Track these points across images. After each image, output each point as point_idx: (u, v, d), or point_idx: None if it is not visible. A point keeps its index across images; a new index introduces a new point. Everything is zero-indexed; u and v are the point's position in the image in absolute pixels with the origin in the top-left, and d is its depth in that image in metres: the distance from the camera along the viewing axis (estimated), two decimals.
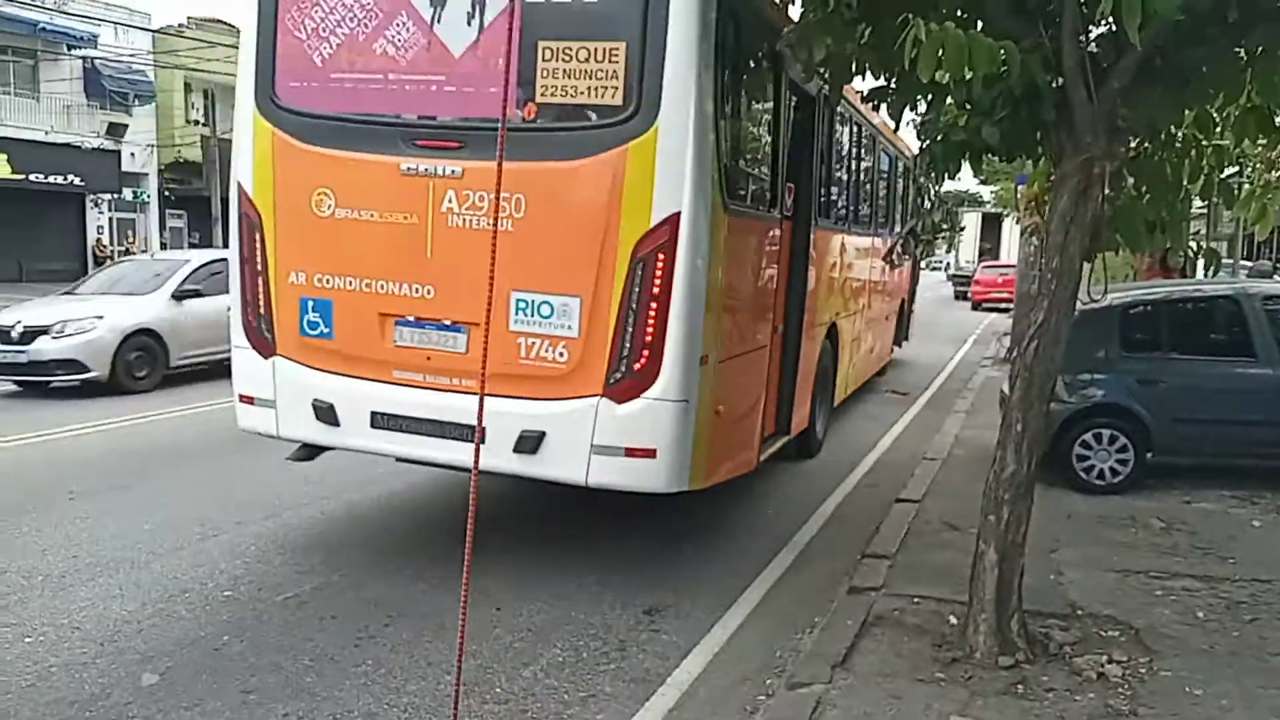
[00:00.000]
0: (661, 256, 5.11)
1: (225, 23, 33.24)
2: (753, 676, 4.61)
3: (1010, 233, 42.57)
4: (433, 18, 5.38)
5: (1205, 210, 18.28)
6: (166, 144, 32.51)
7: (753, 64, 6.39)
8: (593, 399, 5.25)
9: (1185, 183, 5.14)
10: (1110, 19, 3.81)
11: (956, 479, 7.98)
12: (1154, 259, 12.31)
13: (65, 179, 28.82)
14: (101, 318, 11.88)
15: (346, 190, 5.58)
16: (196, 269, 13.01)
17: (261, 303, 5.89)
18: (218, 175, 31.31)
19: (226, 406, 10.95)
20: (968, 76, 3.79)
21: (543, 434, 5.33)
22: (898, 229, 13.58)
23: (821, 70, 4.87)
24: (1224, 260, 18.36)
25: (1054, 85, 4.44)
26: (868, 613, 5.20)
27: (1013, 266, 20.84)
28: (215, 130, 33.33)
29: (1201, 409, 7.73)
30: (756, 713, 4.21)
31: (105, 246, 31.43)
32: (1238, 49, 4.35)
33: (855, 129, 9.99)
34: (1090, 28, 4.46)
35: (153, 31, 31.41)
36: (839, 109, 8.84)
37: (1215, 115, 4.88)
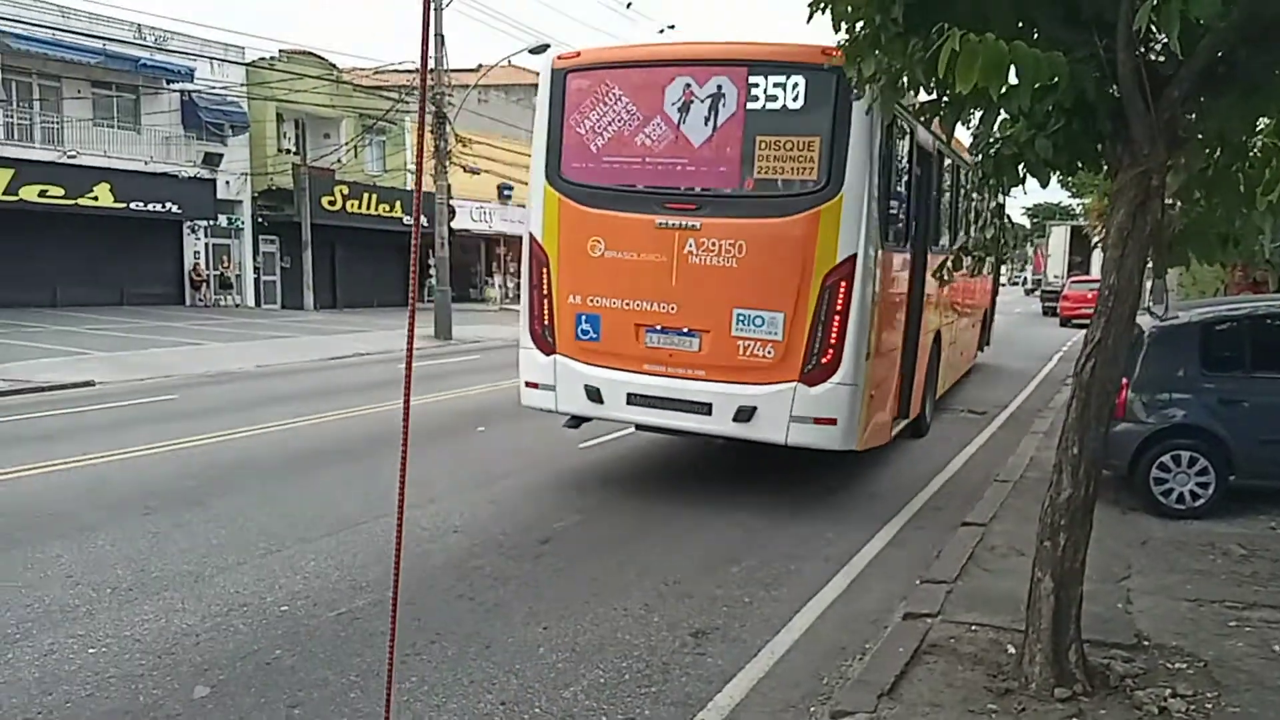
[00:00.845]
0: (843, 284, 7.29)
1: (314, 54, 34.45)
2: (798, 704, 4.51)
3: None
4: (679, 120, 7.74)
5: None
6: (259, 172, 33.62)
7: (895, 142, 8.35)
8: (791, 384, 7.47)
9: (1260, 194, 4.89)
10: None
11: (1027, 503, 7.69)
12: (1245, 273, 11.76)
13: (163, 207, 30.01)
14: None
15: (613, 238, 7.91)
16: None
17: (546, 316, 8.28)
18: (308, 202, 32.40)
19: (295, 426, 11.33)
20: (1012, 88, 3.68)
21: (755, 408, 7.56)
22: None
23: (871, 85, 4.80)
24: None
25: (1112, 95, 4.28)
26: (921, 640, 5.05)
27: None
28: (305, 158, 34.44)
29: None
30: None
31: (201, 272, 32.68)
32: None
33: (955, 168, 11.79)
34: (1150, 37, 4.30)
35: (246, 65, 32.61)
36: (945, 154, 10.65)
37: None
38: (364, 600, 5.67)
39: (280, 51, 34.02)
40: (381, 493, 8.05)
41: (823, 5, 4.41)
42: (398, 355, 20.02)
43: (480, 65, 34.47)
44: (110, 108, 29.98)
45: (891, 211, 8.37)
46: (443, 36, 25.49)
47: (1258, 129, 4.75)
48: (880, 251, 7.63)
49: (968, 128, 5.10)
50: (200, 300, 32.41)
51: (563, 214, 8.15)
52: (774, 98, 7.43)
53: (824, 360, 7.38)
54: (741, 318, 7.50)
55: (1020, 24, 4.22)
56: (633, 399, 7.95)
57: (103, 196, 28.23)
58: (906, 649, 4.91)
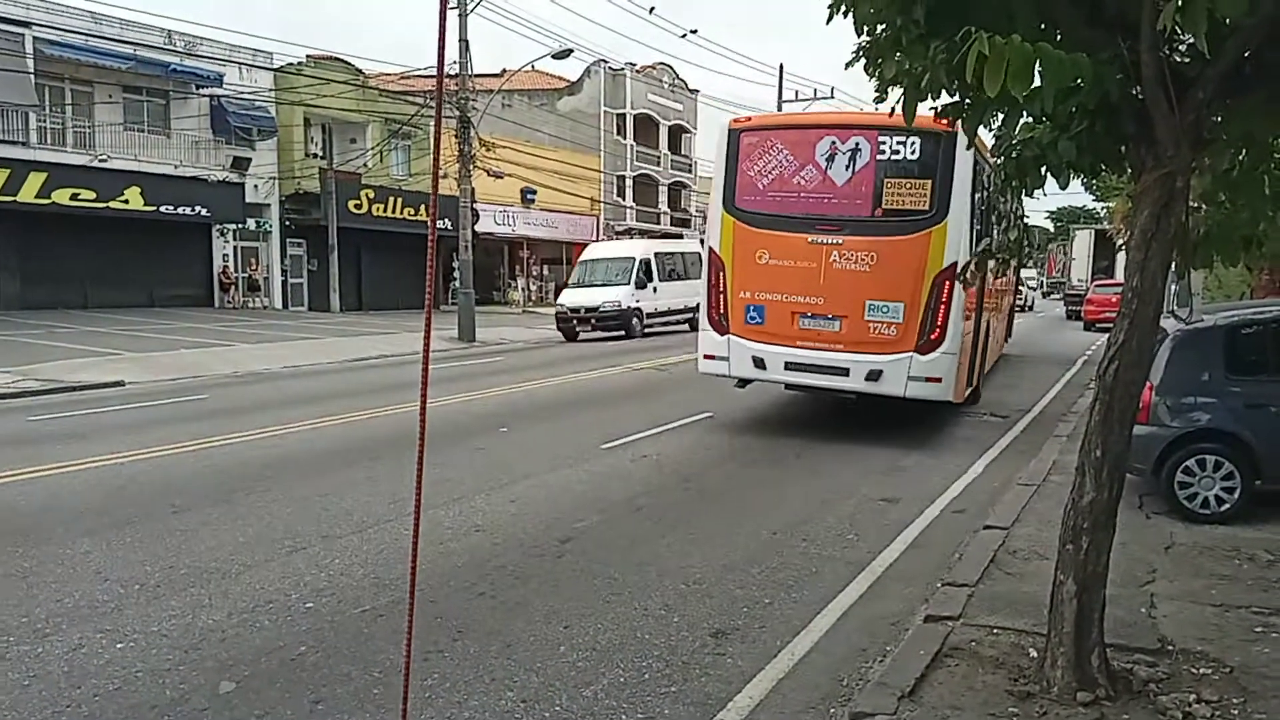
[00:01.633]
0: (947, 283, 9.99)
1: (341, 60, 34.74)
2: (817, 705, 4.51)
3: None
4: (826, 167, 10.71)
5: None
6: (287, 176, 33.94)
7: (978, 179, 10.84)
8: (908, 354, 10.40)
9: None
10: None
11: (1050, 506, 7.64)
12: (1272, 276, 11.63)
13: (193, 210, 30.39)
14: None
15: (776, 250, 10.92)
16: None
17: (721, 307, 11.36)
18: (334, 205, 32.67)
19: (321, 426, 11.43)
20: (1035, 90, 3.67)
21: (881, 371, 10.54)
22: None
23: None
24: None
25: (1136, 96, 4.26)
26: (943, 643, 5.03)
27: None
28: (332, 162, 34.74)
29: None
30: None
31: (230, 274, 33.05)
32: None
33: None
34: (1175, 38, 4.27)
35: (274, 70, 32.95)
36: (993, 171, 13.19)
37: None
38: (387, 598, 5.72)
39: (308, 57, 34.37)
40: (405, 492, 8.12)
41: (844, 9, 4.40)
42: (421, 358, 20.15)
43: (504, 70, 34.68)
44: (141, 112, 30.39)
45: (976, 229, 10.86)
46: (467, 42, 25.66)
47: None
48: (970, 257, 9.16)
49: (990, 130, 5.08)
50: (229, 302, 32.75)
51: (736, 233, 11.19)
52: (897, 152, 10.43)
53: (933, 336, 10.32)
54: (872, 307, 10.48)
55: (1043, 25, 4.20)
56: (789, 365, 11.02)
57: (133, 200, 28.64)
58: (927, 651, 4.89)
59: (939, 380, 10.41)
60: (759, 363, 11.10)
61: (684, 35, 47.97)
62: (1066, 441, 10.54)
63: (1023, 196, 6.07)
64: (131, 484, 8.53)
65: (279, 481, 8.65)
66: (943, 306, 10.17)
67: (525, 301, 41.30)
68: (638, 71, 51.34)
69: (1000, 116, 4.87)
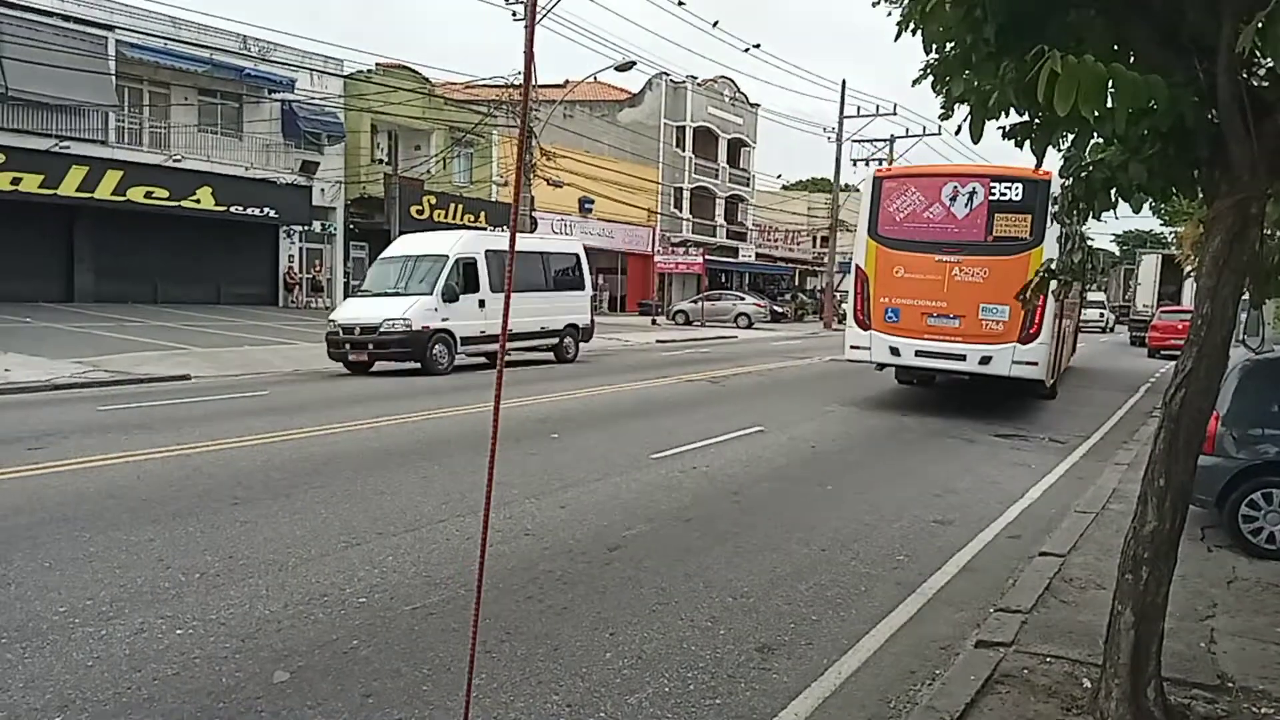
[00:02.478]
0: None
1: (409, 68, 35.38)
2: None
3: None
4: (950, 204, 14.18)
5: None
6: (353, 180, 34.66)
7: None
8: (1012, 344, 13.81)
9: None
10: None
11: (1108, 535, 7.50)
12: None
13: (261, 211, 31.19)
14: None
15: (909, 267, 14.46)
16: None
17: (865, 310, 14.94)
18: (397, 210, 33.20)
19: (379, 426, 11.61)
20: (1107, 111, 3.63)
21: (990, 357, 13.97)
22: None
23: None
24: None
25: (1211, 120, 4.18)
26: (994, 669, 4.96)
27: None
28: (396, 168, 35.35)
29: None
30: None
31: (294, 274, 33.78)
32: None
33: None
34: (1253, 60, 4.18)
35: (344, 77, 33.70)
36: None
37: None
38: (438, 596, 5.80)
39: (377, 65, 35.08)
40: (460, 493, 8.24)
41: (913, 26, 4.38)
42: (471, 362, 20.35)
43: (566, 81, 34.99)
44: (214, 115, 31.30)
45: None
46: (531, 53, 25.92)
47: None
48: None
49: (1059, 151, 5.02)
50: (293, 302, 33.47)
51: (878, 253, 14.78)
52: (1005, 194, 13.92)
53: (1031, 330, 13.70)
54: (984, 309, 13.91)
55: (1116, 46, 4.15)
56: (919, 353, 14.57)
57: (204, 199, 29.47)
58: (978, 677, 4.83)
59: (1036, 364, 13.82)
60: (895, 351, 14.77)
61: (746, 49, 47.99)
62: (1127, 470, 10.31)
63: (1088, 219, 6.01)
64: (195, 475, 8.75)
65: (336, 478, 8.81)
66: (1039, 310, 13.30)
67: None
68: (699, 85, 51.51)
69: (1070, 137, 4.84)
